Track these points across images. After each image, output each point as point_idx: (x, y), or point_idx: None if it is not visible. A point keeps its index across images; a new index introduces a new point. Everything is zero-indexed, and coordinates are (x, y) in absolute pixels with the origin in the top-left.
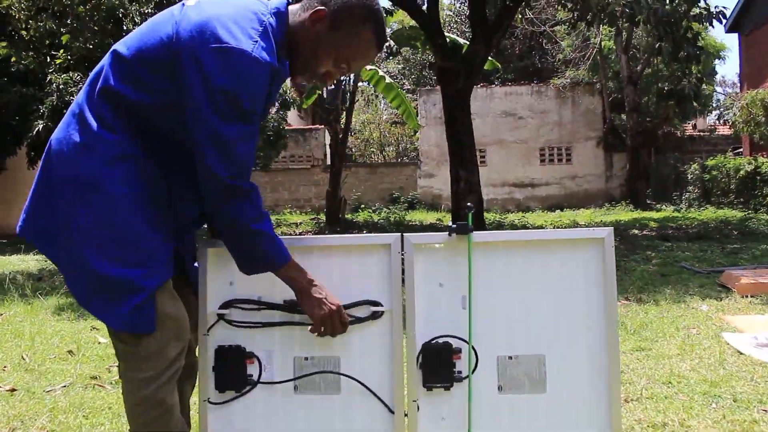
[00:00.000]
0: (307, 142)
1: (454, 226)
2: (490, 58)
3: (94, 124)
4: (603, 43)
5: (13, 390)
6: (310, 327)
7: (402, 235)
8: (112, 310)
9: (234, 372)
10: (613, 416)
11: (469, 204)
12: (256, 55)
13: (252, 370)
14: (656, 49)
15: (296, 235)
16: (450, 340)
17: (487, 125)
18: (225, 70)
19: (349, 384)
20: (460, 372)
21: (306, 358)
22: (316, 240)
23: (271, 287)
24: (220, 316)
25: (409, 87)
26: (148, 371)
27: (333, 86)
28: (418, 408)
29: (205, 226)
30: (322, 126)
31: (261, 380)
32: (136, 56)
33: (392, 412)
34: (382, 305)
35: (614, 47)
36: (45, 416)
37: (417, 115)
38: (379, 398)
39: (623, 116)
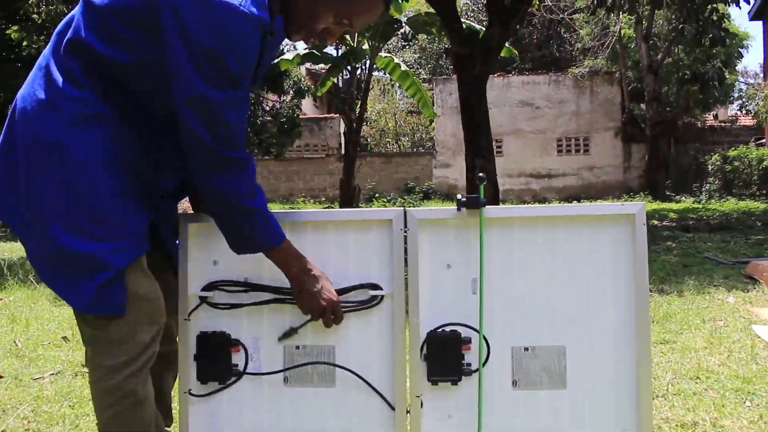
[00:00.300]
0: (322, 131)
1: (464, 199)
2: (507, 45)
3: (59, 79)
4: (623, 32)
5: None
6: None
7: (405, 210)
8: (74, 289)
9: (218, 361)
10: (642, 415)
11: (480, 174)
12: (245, 9)
13: (237, 359)
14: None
15: None
16: (458, 328)
17: (503, 115)
18: (208, 26)
19: (345, 376)
20: (469, 365)
21: (297, 347)
22: (309, 214)
23: (260, 268)
24: (203, 299)
25: (425, 76)
26: (116, 358)
27: (348, 74)
28: (422, 404)
29: (188, 198)
30: (337, 115)
31: (247, 371)
32: (109, 5)
33: (393, 408)
34: (381, 289)
35: (634, 35)
36: (28, 405)
37: (433, 105)
38: (378, 393)
39: (642, 106)
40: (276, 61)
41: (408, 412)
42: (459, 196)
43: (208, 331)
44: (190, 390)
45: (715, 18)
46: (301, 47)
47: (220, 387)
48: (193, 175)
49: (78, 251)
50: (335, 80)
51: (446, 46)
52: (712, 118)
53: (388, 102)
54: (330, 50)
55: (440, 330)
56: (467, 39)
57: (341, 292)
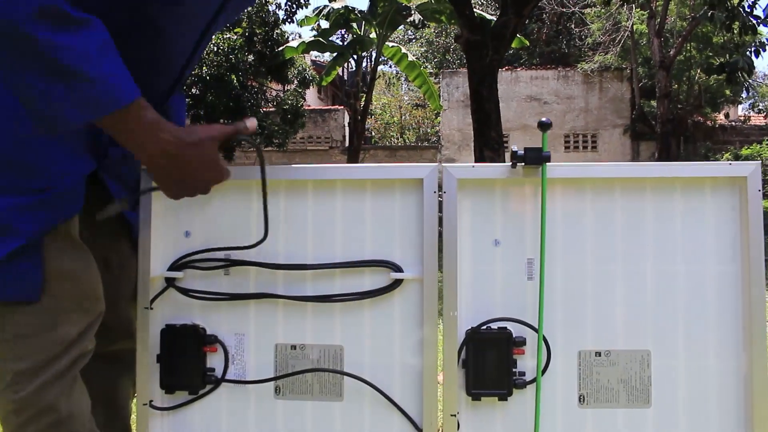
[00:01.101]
0: (326, 123)
1: (521, 152)
2: (518, 35)
3: None
4: (635, 27)
5: None
6: None
7: (441, 166)
8: None
9: (188, 364)
10: None
11: (544, 119)
12: None
13: (214, 361)
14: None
15: None
16: (509, 325)
17: (510, 110)
18: None
19: (356, 387)
20: (523, 374)
21: (293, 347)
22: (311, 171)
23: (248, 238)
24: (170, 282)
25: (431, 70)
26: (26, 360)
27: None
28: (459, 426)
29: None
30: (342, 107)
31: (227, 377)
32: None
33: (420, 430)
34: (405, 271)
35: (646, 31)
36: None
37: (439, 98)
38: (401, 410)
39: (653, 103)
40: (280, 49)
41: None
42: (514, 147)
43: (175, 324)
44: (151, 401)
45: (746, 4)
46: (307, 35)
47: (190, 398)
48: None
49: None
50: (340, 73)
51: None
52: (723, 117)
53: (393, 95)
54: (336, 39)
55: (485, 327)
56: (479, 26)
57: (349, 265)
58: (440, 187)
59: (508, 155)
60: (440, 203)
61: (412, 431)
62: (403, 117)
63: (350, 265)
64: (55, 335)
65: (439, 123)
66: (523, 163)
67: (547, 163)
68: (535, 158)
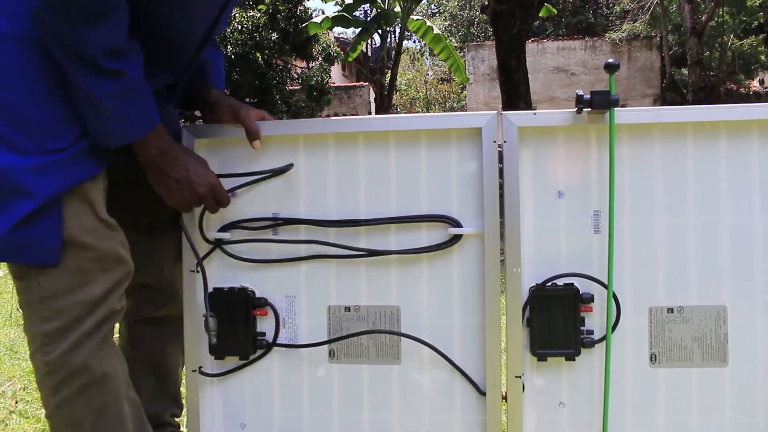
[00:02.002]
0: (351, 100)
1: (587, 96)
2: (546, 4)
3: None
4: None
5: None
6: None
7: (500, 114)
8: None
9: (237, 329)
10: None
11: (612, 60)
12: None
13: (264, 325)
14: None
15: None
16: (576, 281)
17: (537, 82)
18: None
19: (414, 350)
20: (591, 333)
21: (348, 309)
22: (361, 123)
23: (296, 198)
24: (217, 244)
25: (456, 44)
26: (53, 321)
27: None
28: (524, 387)
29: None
30: (367, 83)
31: (278, 341)
32: None
33: (483, 393)
34: (464, 226)
35: None
36: (18, 381)
37: (465, 71)
38: (462, 372)
39: (684, 71)
40: (304, 25)
41: (504, 398)
42: (579, 92)
43: (223, 288)
44: (200, 368)
45: None
46: (331, 10)
47: (240, 364)
48: (39, 22)
49: None
50: (363, 49)
51: (478, 12)
52: (757, 83)
53: (417, 70)
54: (359, 13)
55: (550, 284)
56: None
57: (402, 220)
58: (502, 136)
59: None
60: (500, 153)
61: (474, 394)
62: (429, 92)
63: (405, 220)
64: (79, 296)
65: (465, 97)
66: (589, 108)
67: (615, 107)
68: (603, 102)
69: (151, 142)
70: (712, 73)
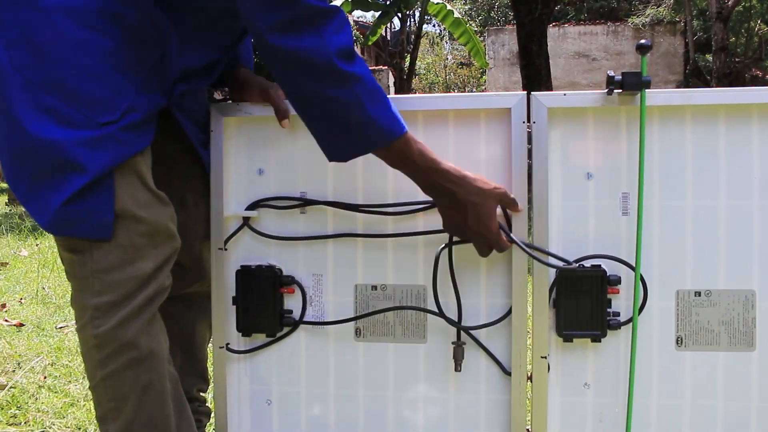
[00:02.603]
0: None
1: (618, 77)
2: None
3: None
4: None
5: (20, 325)
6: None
7: (529, 95)
8: (39, 196)
9: (264, 306)
10: None
11: (644, 41)
12: None
13: (292, 303)
14: None
15: None
16: (603, 263)
17: (558, 67)
18: None
19: (440, 328)
20: (617, 315)
21: (374, 287)
22: (393, 103)
23: (322, 177)
24: (245, 221)
25: (476, 29)
26: (104, 294)
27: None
28: (549, 368)
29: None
30: (386, 67)
31: (305, 319)
32: None
33: (508, 373)
34: None
35: None
36: (47, 356)
37: (485, 56)
38: (488, 352)
39: (708, 57)
40: None
41: (529, 379)
42: (611, 73)
43: (251, 266)
44: (227, 344)
45: None
46: None
47: (267, 341)
48: (255, 37)
49: (42, 139)
50: (383, 33)
51: None
52: None
53: (437, 54)
54: None
55: (577, 265)
56: None
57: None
58: (530, 117)
59: None
60: (529, 134)
61: (499, 374)
62: (448, 76)
63: (433, 204)
64: (131, 271)
65: (485, 82)
66: (620, 90)
67: (646, 89)
68: (634, 83)
69: (407, 146)
70: (737, 60)
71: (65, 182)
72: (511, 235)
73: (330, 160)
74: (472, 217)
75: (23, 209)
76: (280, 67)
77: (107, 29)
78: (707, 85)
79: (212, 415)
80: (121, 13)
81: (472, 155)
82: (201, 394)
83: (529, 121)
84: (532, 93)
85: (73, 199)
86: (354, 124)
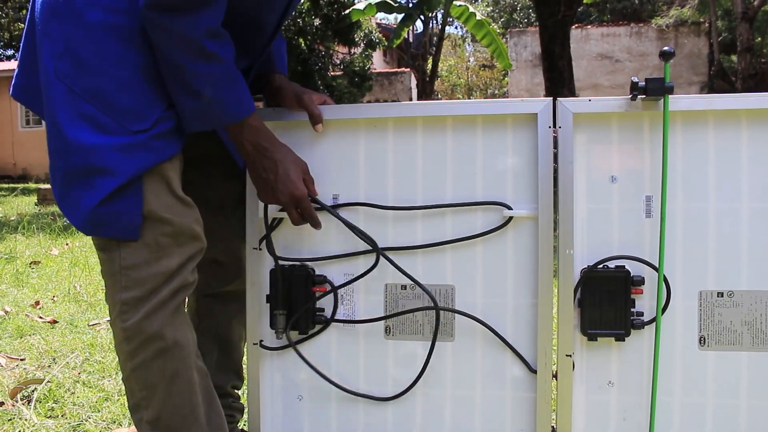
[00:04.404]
0: (392, 86)
1: (642, 83)
2: None
3: None
4: None
5: (54, 322)
6: None
7: (555, 101)
8: (73, 198)
9: (297, 304)
10: None
11: (667, 48)
12: None
13: (324, 302)
14: None
15: None
16: (627, 264)
17: (581, 69)
18: None
19: (468, 327)
20: (641, 314)
21: (404, 287)
22: (415, 108)
23: (354, 179)
24: (278, 223)
25: (499, 30)
26: (131, 290)
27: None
28: (574, 366)
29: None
30: (408, 69)
31: (336, 317)
32: None
33: (533, 371)
34: (519, 209)
35: None
36: (80, 353)
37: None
38: (513, 350)
39: (733, 58)
40: (347, 12)
41: (554, 377)
42: (635, 79)
43: (284, 265)
44: (261, 341)
45: None
46: None
47: (300, 338)
48: (142, 11)
49: (77, 143)
50: (405, 35)
51: None
52: None
53: (459, 56)
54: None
55: (602, 266)
56: None
57: (461, 205)
58: (555, 122)
59: None
60: (555, 139)
61: (525, 372)
62: (470, 78)
63: (461, 205)
64: (157, 267)
65: (507, 84)
66: (643, 95)
67: (670, 95)
68: (658, 89)
69: (246, 130)
70: (763, 60)
71: (98, 185)
72: (324, 203)
73: (186, 130)
74: (281, 172)
75: (54, 209)
76: (157, 36)
77: (143, 44)
78: (732, 86)
79: (245, 411)
80: None
81: (500, 159)
82: (235, 390)
83: (554, 126)
84: (557, 99)
85: (105, 201)
86: (206, 99)
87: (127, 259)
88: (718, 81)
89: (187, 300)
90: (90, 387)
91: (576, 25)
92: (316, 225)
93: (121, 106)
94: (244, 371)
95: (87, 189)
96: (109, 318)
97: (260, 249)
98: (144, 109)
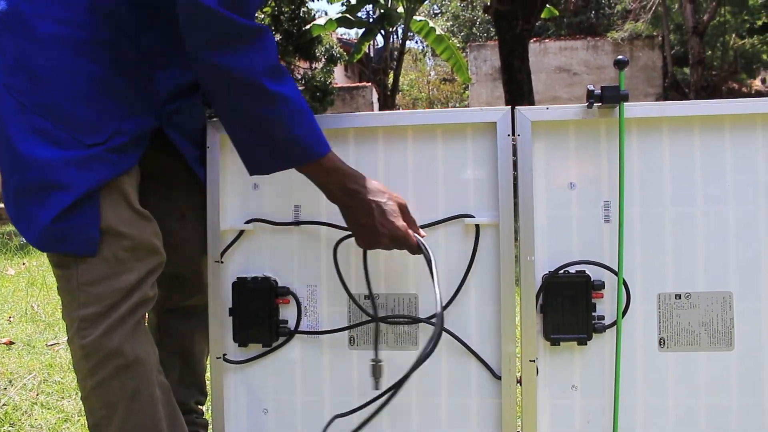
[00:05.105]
0: (354, 101)
1: (597, 91)
2: (547, 5)
3: None
4: None
5: (10, 343)
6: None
7: (513, 110)
8: (28, 213)
9: (260, 317)
10: None
11: (621, 57)
12: None
13: (287, 313)
14: None
15: None
16: (587, 269)
17: (540, 82)
18: None
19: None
20: (602, 318)
21: (367, 297)
22: (376, 118)
23: (316, 191)
24: (239, 235)
25: (459, 45)
26: (89, 306)
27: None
28: (538, 371)
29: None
30: (370, 84)
31: (300, 329)
32: None
33: (498, 377)
34: (480, 217)
35: None
36: (38, 374)
37: (467, 71)
38: (478, 357)
39: (686, 70)
40: (308, 27)
41: (519, 382)
42: (590, 87)
43: (247, 277)
44: (224, 355)
45: None
46: (333, 11)
47: (264, 351)
48: (188, 53)
49: (30, 159)
50: (366, 50)
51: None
52: (759, 83)
53: (420, 71)
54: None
55: (562, 272)
56: None
57: (423, 227)
58: (514, 130)
59: None
60: (514, 147)
61: (490, 378)
62: (431, 92)
63: (428, 225)
64: (115, 283)
65: (468, 97)
66: (599, 103)
67: (624, 102)
68: (613, 97)
69: (330, 173)
70: (714, 73)
71: (53, 200)
72: (419, 237)
73: (251, 173)
74: (378, 215)
75: (9, 228)
76: (209, 82)
77: (98, 56)
78: (686, 97)
79: (209, 426)
80: (111, 41)
81: (461, 168)
82: (199, 406)
83: (513, 134)
84: (516, 107)
85: (61, 217)
86: (278, 142)
87: (84, 275)
88: (672, 93)
89: (147, 315)
90: (48, 408)
91: (534, 39)
92: (415, 250)
93: (75, 120)
94: (208, 386)
95: (41, 205)
96: (67, 337)
97: (222, 262)
98: (99, 121)
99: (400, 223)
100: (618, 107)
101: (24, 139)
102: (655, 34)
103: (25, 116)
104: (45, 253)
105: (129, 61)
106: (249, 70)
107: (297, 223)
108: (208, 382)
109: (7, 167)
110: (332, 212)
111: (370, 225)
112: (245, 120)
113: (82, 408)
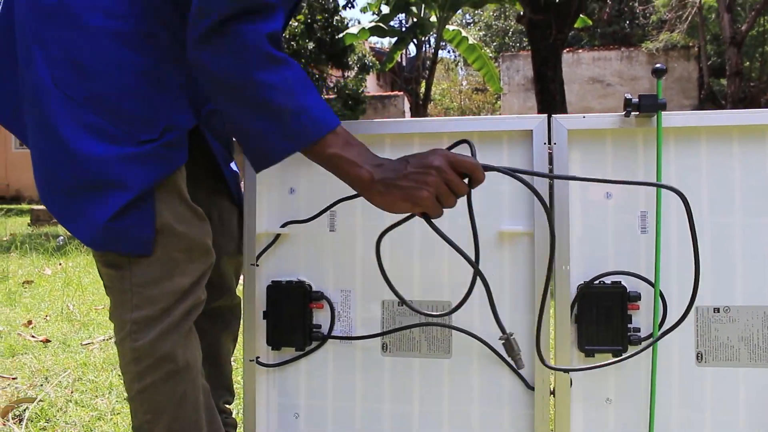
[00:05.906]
0: (385, 109)
1: (635, 100)
2: (581, 15)
3: None
4: (703, 1)
5: (46, 341)
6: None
7: (549, 118)
8: (81, 212)
9: (294, 321)
10: None
11: (659, 65)
12: None
13: (320, 318)
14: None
15: None
16: (623, 279)
17: (573, 93)
18: None
19: (465, 344)
20: (638, 330)
21: (401, 304)
22: (412, 125)
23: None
24: (275, 239)
25: (491, 54)
26: (144, 309)
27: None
28: (572, 383)
29: None
30: (401, 93)
31: (333, 334)
32: None
33: (531, 388)
34: (516, 225)
35: (716, 5)
36: (73, 372)
37: (499, 81)
38: (511, 367)
39: (723, 81)
40: (341, 36)
41: (552, 393)
42: (628, 95)
43: (281, 281)
44: (257, 358)
45: None
46: (366, 20)
47: (297, 355)
48: (188, 52)
49: (84, 155)
50: (399, 59)
51: (514, 22)
52: None
53: (452, 80)
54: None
55: (598, 282)
56: (541, 5)
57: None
58: (550, 138)
59: None
60: (550, 155)
61: (522, 389)
62: (463, 102)
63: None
64: (170, 285)
65: (500, 107)
66: (637, 112)
67: (662, 111)
68: (651, 106)
69: (344, 140)
70: (752, 84)
71: (109, 199)
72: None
73: (257, 168)
74: (413, 163)
75: (47, 229)
76: (210, 55)
77: (144, 49)
78: (722, 109)
79: (238, 427)
80: (155, 34)
81: (496, 175)
82: (227, 406)
83: (549, 142)
84: (552, 116)
85: (117, 216)
86: (285, 114)
87: (138, 276)
88: (709, 104)
89: None
90: (82, 406)
91: (567, 49)
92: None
93: (127, 114)
94: (238, 388)
95: (96, 203)
96: (103, 338)
97: (257, 265)
98: (151, 116)
99: (432, 156)
100: (656, 116)
101: (75, 134)
102: (690, 44)
103: (75, 110)
104: (89, 253)
105: (172, 56)
106: (252, 35)
107: (331, 227)
108: (238, 385)
109: (55, 162)
110: (366, 216)
111: (404, 186)
112: (249, 94)
113: (115, 407)
